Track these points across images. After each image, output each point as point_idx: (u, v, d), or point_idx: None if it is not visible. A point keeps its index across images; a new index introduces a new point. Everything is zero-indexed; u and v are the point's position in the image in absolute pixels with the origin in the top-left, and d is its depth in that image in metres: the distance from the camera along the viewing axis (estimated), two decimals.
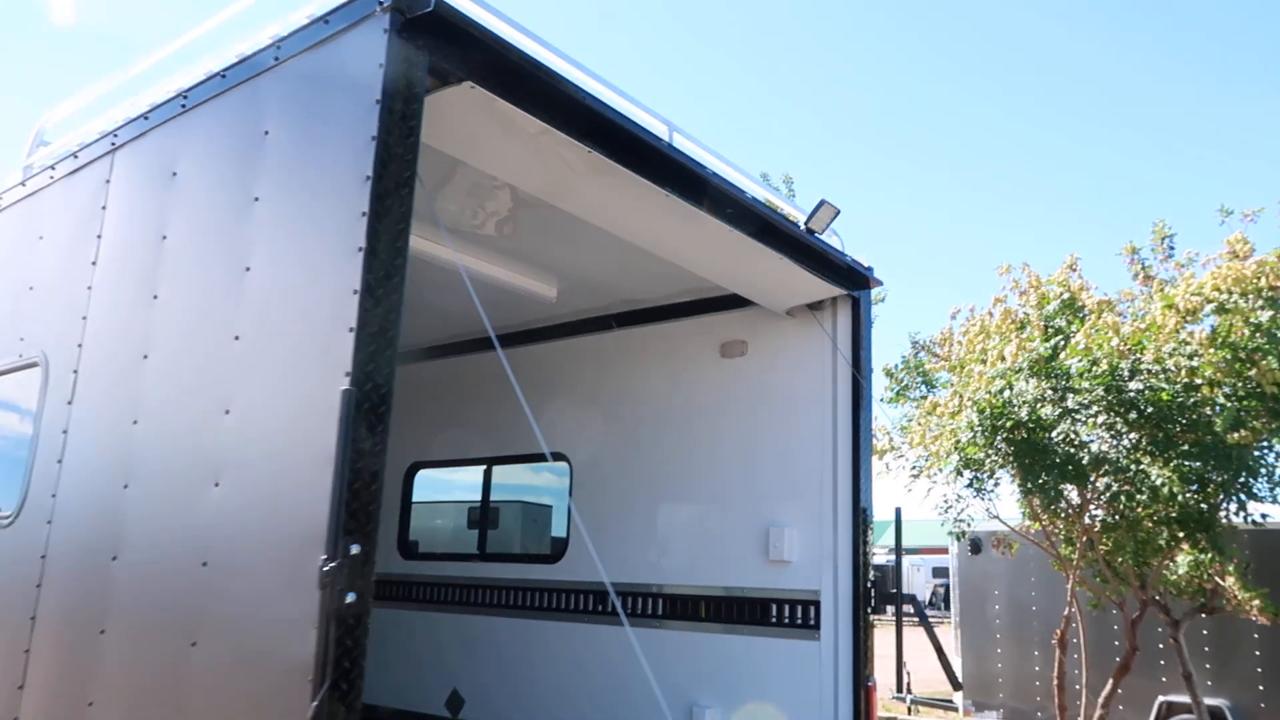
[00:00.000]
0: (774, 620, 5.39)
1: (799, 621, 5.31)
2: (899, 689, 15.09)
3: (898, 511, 5.76)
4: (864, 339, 5.47)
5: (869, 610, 5.16)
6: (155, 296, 3.72)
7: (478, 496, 7.15)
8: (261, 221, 3.36)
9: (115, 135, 4.23)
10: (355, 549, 2.75)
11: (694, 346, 6.08)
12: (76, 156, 4.48)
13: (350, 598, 2.72)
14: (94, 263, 4.12)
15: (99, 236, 4.14)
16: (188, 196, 3.75)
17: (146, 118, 4.06)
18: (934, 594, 34.57)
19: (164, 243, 3.77)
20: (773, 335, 5.79)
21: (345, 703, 2.67)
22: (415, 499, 7.52)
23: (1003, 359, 7.56)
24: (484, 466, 7.16)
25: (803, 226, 4.91)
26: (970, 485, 8.20)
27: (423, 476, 7.53)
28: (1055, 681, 8.66)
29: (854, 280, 5.45)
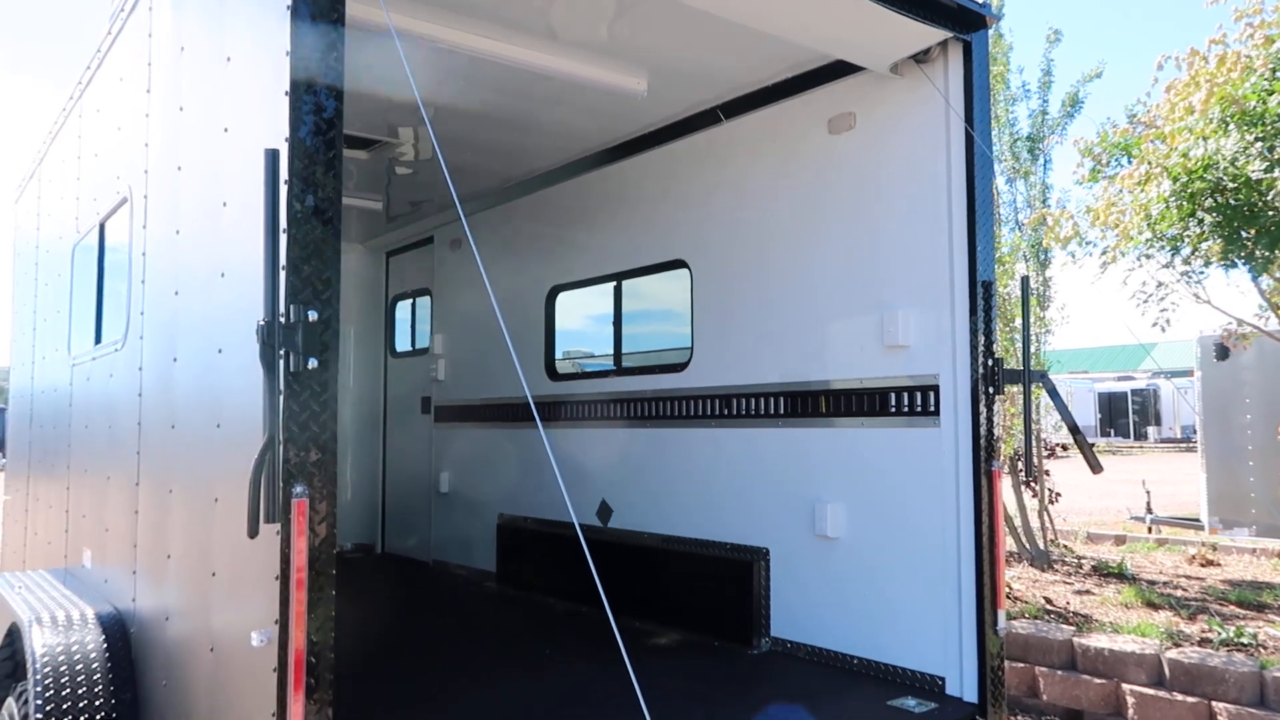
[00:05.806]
0: (893, 409, 5.01)
1: (918, 409, 4.90)
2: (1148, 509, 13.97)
3: (1024, 281, 5.07)
4: (977, 89, 4.76)
5: (991, 392, 4.67)
6: (181, 108, 3.79)
7: (611, 314, 7.10)
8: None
9: None
10: (313, 315, 2.72)
11: (801, 128, 5.57)
12: None
13: (312, 363, 2.71)
14: (148, 90, 4.26)
15: (149, 64, 4.26)
16: None
17: None
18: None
19: (181, 54, 3.81)
20: (881, 101, 5.17)
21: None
22: (558, 323, 7.59)
23: (1191, 111, 6.38)
24: (614, 283, 7.06)
25: None
26: (1168, 266, 7.18)
27: (562, 300, 7.56)
28: None
29: (963, 20, 4.71)
